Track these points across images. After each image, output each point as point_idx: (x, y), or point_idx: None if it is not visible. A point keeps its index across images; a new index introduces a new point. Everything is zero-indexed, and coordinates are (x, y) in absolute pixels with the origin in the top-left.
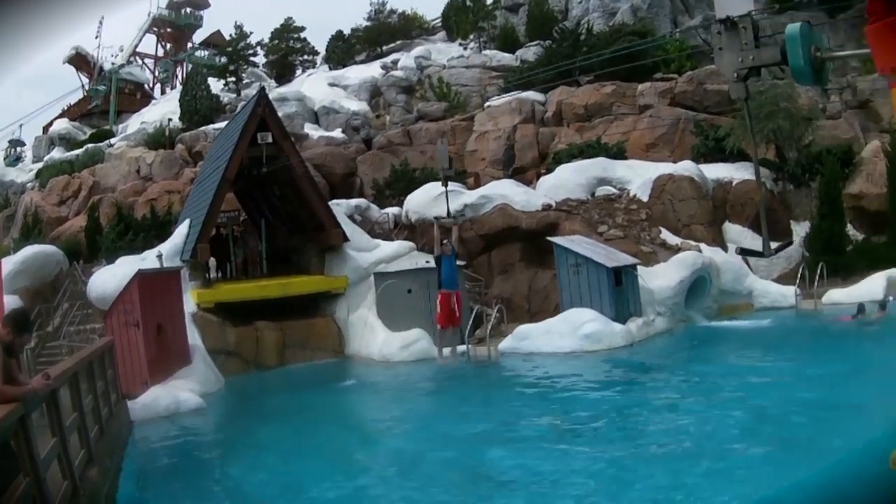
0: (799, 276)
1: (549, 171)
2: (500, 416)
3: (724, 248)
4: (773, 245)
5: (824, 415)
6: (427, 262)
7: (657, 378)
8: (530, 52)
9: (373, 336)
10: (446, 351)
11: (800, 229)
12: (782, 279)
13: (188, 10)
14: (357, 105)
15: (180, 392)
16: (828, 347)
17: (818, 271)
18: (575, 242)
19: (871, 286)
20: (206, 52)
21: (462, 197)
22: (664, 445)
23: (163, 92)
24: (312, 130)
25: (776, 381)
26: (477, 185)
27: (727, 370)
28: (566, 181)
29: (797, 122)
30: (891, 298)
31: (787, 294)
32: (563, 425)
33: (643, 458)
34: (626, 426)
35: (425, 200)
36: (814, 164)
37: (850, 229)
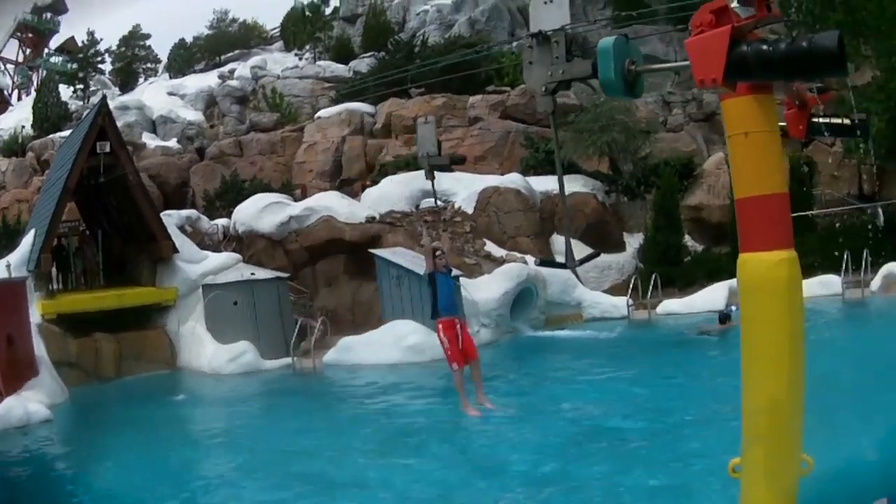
0: (631, 286)
1: (375, 183)
2: (318, 436)
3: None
4: (578, 257)
5: (646, 438)
6: (252, 273)
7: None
8: (364, 63)
9: (202, 348)
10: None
11: (633, 241)
12: (614, 290)
13: (48, 14)
14: (193, 115)
15: (30, 403)
16: (654, 359)
17: (651, 282)
18: (396, 254)
19: (711, 296)
20: (60, 59)
21: (287, 209)
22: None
23: (19, 98)
24: (150, 140)
25: (596, 396)
26: (304, 196)
27: (548, 385)
28: (391, 193)
29: (633, 135)
30: (733, 308)
31: (619, 305)
32: (378, 448)
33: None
34: (447, 448)
35: (253, 212)
36: (650, 176)
37: (689, 240)
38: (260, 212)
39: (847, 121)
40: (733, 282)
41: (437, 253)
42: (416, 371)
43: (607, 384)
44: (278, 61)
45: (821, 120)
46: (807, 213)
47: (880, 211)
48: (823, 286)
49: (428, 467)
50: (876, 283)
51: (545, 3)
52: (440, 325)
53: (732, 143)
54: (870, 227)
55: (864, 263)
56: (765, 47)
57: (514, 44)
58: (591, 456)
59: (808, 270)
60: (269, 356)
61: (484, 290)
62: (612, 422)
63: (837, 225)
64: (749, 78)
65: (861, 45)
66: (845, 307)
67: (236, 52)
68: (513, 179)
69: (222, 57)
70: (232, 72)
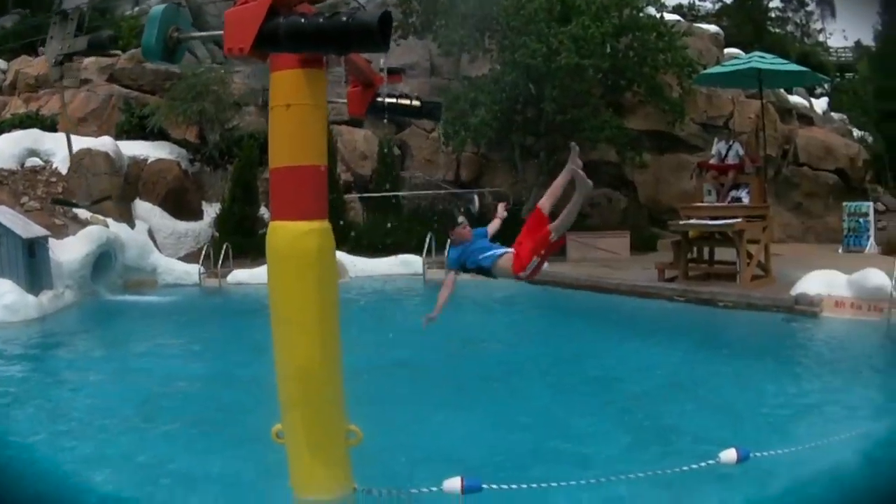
0: (203, 254)
1: None
2: None
3: (132, 225)
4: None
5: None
6: None
7: (56, 356)
8: (10, 19)
9: None
10: None
11: (211, 210)
12: (190, 258)
13: None
14: None
15: None
16: (220, 327)
17: (223, 251)
18: (0, 213)
19: None
20: None
21: None
22: None
23: None
24: None
25: (165, 362)
26: None
27: (126, 348)
28: (3, 151)
29: (225, 107)
30: None
31: (192, 272)
32: None
33: None
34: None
35: None
36: (234, 147)
37: (266, 213)
38: None
39: (416, 103)
40: None
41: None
42: (10, 332)
43: (177, 349)
44: None
45: (388, 100)
46: (396, 193)
47: (476, 197)
48: (405, 265)
49: None
50: None
51: None
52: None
53: (274, 114)
54: (465, 211)
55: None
56: (302, 20)
57: (136, 9)
58: (163, 409)
59: (391, 249)
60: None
61: (69, 252)
62: (177, 386)
63: (423, 207)
64: (278, 49)
65: (486, 38)
66: (427, 287)
67: None
68: (104, 143)
69: None
70: None
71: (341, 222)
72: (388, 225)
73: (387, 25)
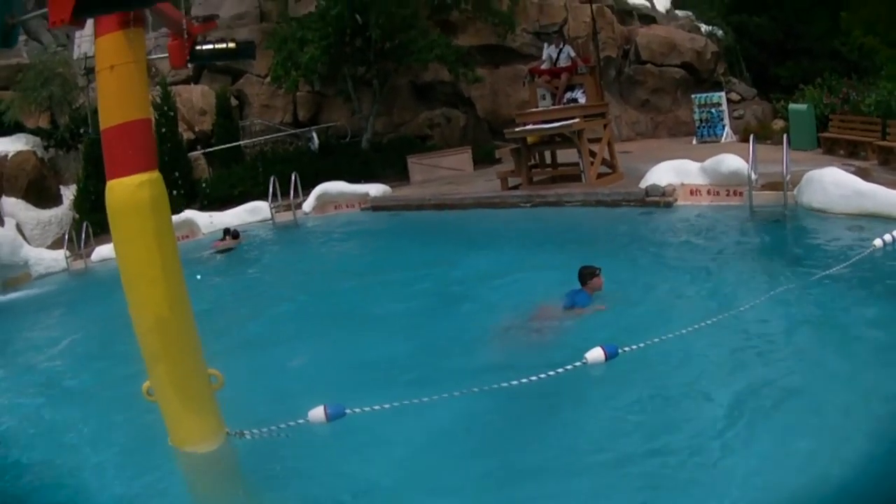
0: (66, 238)
1: None
2: None
3: (1, 223)
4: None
5: None
6: None
7: None
8: None
9: None
10: None
11: (69, 193)
12: (57, 244)
13: None
14: None
15: None
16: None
17: (83, 231)
18: None
19: None
20: None
21: None
22: None
23: None
24: None
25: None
26: None
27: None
28: None
29: (71, 88)
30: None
31: (60, 258)
32: None
33: None
34: None
35: None
36: (82, 126)
37: None
38: None
39: (232, 45)
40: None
41: None
42: None
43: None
44: None
45: (205, 47)
46: (236, 144)
47: (315, 135)
48: (252, 213)
49: None
50: (309, 203)
51: None
52: None
53: (100, 77)
54: (305, 151)
55: (292, 186)
56: None
57: None
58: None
59: (240, 199)
60: None
61: None
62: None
63: (265, 152)
64: (93, 12)
65: None
66: (276, 230)
67: None
68: None
69: None
70: None
71: (181, 180)
72: (231, 177)
73: None
